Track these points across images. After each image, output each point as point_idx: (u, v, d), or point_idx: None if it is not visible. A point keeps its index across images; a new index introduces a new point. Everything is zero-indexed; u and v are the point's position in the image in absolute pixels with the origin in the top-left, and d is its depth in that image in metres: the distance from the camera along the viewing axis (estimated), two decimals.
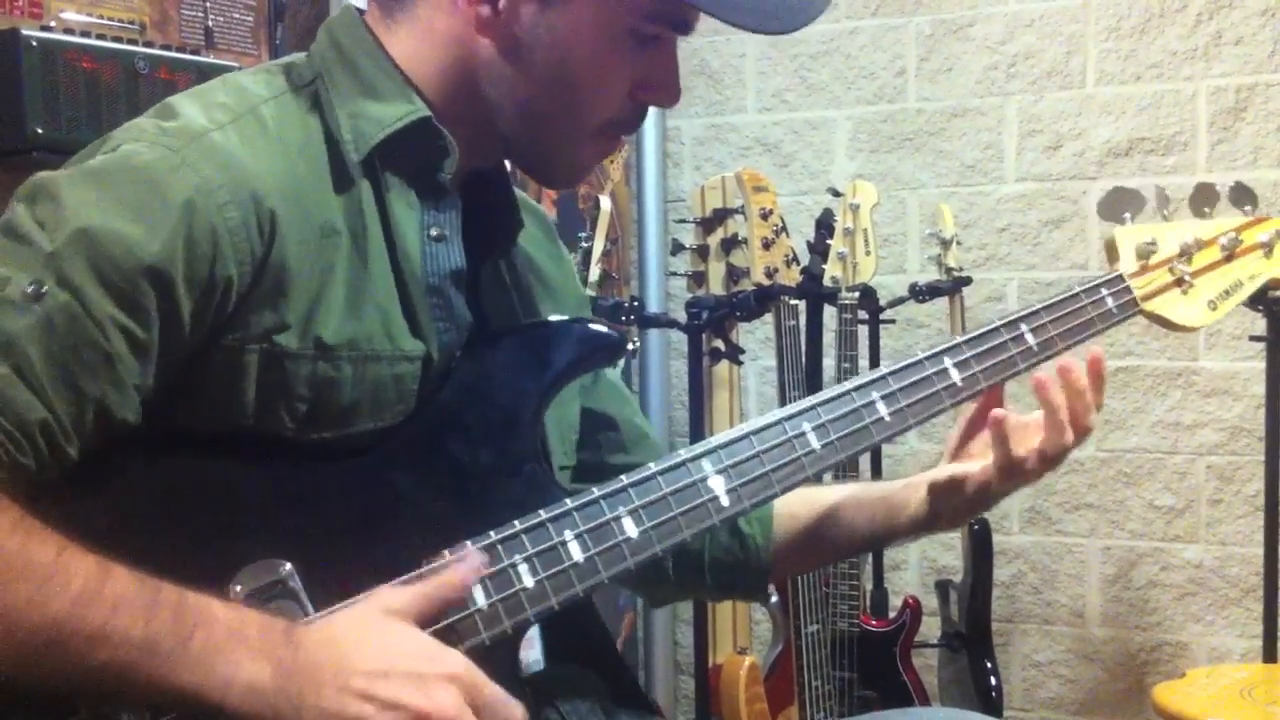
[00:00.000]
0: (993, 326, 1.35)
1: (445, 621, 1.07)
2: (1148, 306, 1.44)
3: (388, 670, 1.00)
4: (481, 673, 1.04)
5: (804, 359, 2.58)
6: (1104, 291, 1.41)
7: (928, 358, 1.32)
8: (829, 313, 2.85)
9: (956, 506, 1.39)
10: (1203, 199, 1.50)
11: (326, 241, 1.12)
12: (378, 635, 1.02)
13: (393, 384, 1.15)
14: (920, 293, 3.01)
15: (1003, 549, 3.34)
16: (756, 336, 3.50)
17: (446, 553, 1.09)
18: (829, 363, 2.97)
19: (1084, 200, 3.31)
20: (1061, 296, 1.39)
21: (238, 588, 1.04)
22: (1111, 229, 1.47)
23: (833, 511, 1.45)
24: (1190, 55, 3.23)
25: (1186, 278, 1.46)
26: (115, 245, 1.02)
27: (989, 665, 2.98)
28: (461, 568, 1.08)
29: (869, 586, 3.13)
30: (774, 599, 2.91)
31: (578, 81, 1.18)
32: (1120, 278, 1.43)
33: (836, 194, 2.87)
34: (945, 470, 1.41)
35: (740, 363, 2.70)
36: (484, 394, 1.19)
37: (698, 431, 2.58)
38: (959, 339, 1.35)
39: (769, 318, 2.65)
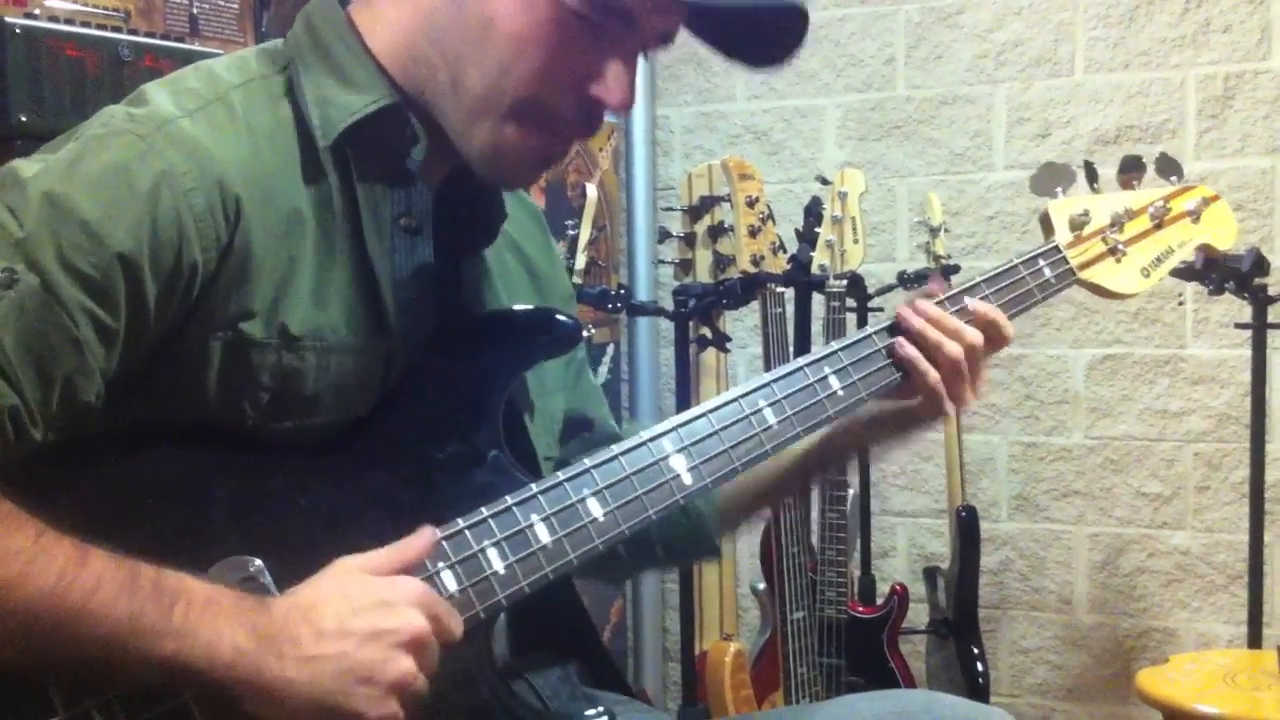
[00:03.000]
0: (938, 300, 1.37)
1: None
2: (1084, 275, 1.48)
3: (355, 607, 1.03)
4: (431, 590, 1.07)
5: (791, 347, 2.59)
6: (1041, 262, 1.45)
7: (876, 332, 1.35)
8: (817, 300, 2.85)
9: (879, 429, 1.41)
10: (1130, 172, 1.56)
11: (293, 229, 1.12)
12: (337, 584, 1.05)
13: (356, 376, 1.16)
14: (908, 280, 3.02)
15: (990, 536, 3.35)
16: (745, 324, 3.50)
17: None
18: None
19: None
20: (1001, 269, 1.43)
21: None
22: (1045, 203, 1.51)
23: None
24: (1179, 43, 3.23)
25: (1119, 246, 1.50)
26: (82, 233, 1.02)
27: (976, 651, 2.99)
28: (417, 537, 1.09)
29: (857, 573, 3.14)
30: (761, 586, 2.92)
31: (498, 42, 1.12)
32: (1056, 248, 1.47)
33: (825, 182, 2.88)
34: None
35: (727, 350, 2.71)
36: (446, 384, 1.20)
37: None
38: (902, 308, 1.37)
39: (757, 305, 2.66)
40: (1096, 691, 3.37)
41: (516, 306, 1.32)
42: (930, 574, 3.16)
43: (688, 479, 1.21)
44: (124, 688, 1.00)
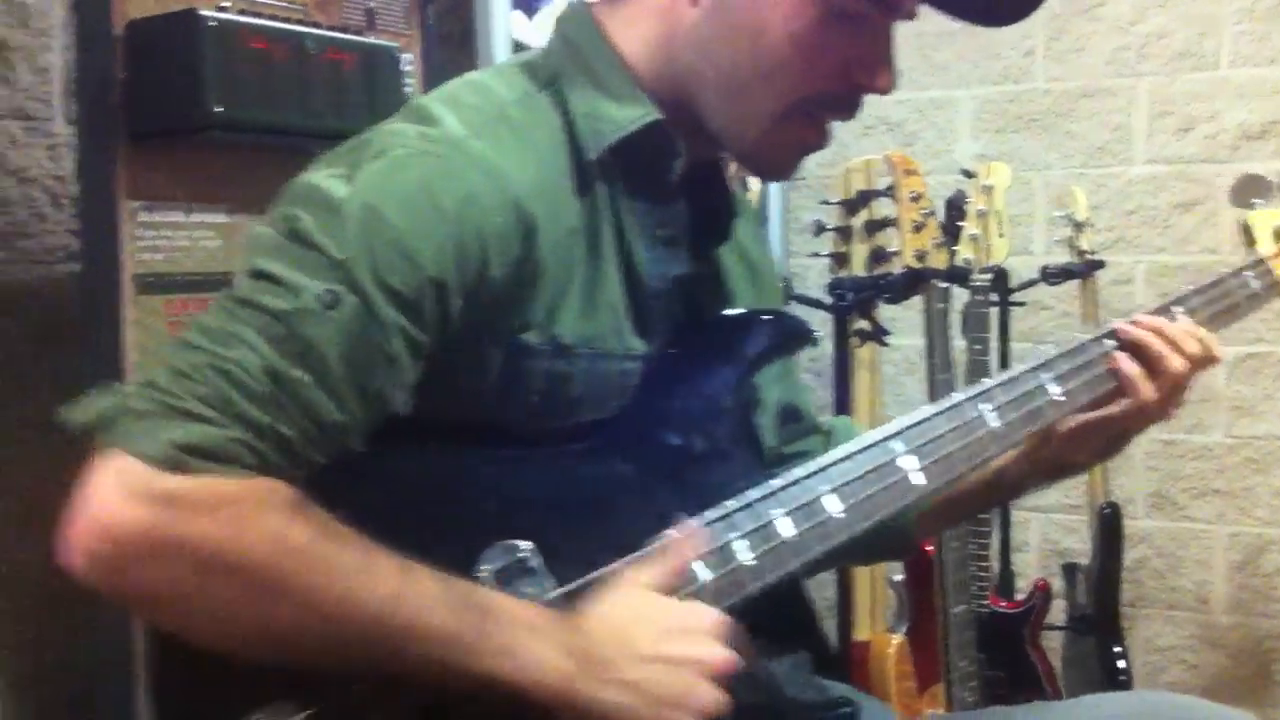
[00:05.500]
0: (1151, 310, 1.44)
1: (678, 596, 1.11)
2: None
3: (661, 632, 1.07)
4: (726, 620, 1.11)
5: (949, 341, 2.58)
6: (1248, 275, 1.50)
7: (1092, 340, 1.39)
8: (957, 295, 2.84)
9: (1087, 443, 1.46)
10: None
11: (571, 241, 1.15)
12: (644, 608, 1.08)
13: (618, 380, 1.19)
14: (1052, 275, 3.00)
15: (1128, 533, 3.30)
16: (884, 317, 3.48)
17: (672, 531, 1.13)
18: (958, 344, 2.97)
19: (1216, 184, 3.27)
20: (1209, 281, 1.47)
21: (485, 567, 1.09)
22: (1244, 214, 1.52)
23: None
24: None
25: None
26: (397, 254, 1.05)
27: (1118, 650, 2.96)
28: (684, 542, 1.12)
29: (995, 567, 3.12)
30: (899, 578, 2.92)
31: (772, 48, 1.16)
32: (1262, 260, 1.52)
33: (969, 175, 2.86)
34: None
35: (886, 344, 2.71)
36: (691, 383, 1.24)
37: (842, 413, 2.59)
38: (1118, 322, 1.43)
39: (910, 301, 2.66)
40: (1233, 692, 3.33)
41: (755, 308, 1.35)
42: (1070, 570, 3.14)
43: (917, 479, 1.24)
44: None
